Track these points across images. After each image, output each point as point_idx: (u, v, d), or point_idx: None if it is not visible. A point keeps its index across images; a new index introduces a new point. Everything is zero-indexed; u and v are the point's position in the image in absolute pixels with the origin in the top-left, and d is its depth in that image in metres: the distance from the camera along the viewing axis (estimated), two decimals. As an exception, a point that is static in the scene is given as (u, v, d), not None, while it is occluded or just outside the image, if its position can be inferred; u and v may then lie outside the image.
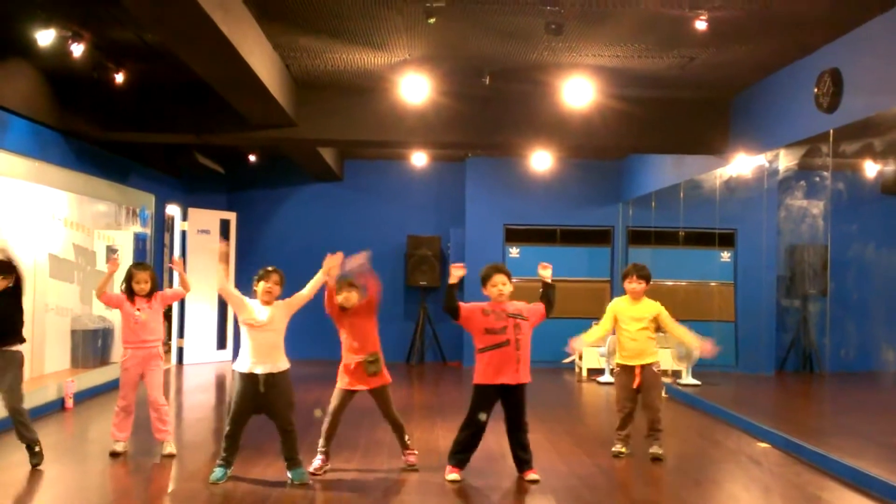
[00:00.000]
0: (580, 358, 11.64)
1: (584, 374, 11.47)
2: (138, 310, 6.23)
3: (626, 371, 6.50)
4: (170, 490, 5.57)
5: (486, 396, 5.64)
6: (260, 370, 5.44)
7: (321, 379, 10.21)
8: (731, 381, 10.99)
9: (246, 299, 5.62)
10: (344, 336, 5.87)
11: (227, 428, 5.53)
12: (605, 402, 9.59)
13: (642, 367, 6.43)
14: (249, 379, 5.45)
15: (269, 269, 5.64)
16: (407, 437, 6.06)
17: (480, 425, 5.65)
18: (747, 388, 10.90)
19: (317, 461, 5.81)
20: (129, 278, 6.33)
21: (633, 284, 6.55)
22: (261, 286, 5.57)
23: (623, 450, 6.53)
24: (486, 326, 5.60)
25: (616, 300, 6.77)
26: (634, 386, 6.42)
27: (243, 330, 5.54)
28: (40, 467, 5.77)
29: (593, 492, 5.57)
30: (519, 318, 5.63)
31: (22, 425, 5.75)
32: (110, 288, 6.38)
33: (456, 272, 5.66)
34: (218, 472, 5.50)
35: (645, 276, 6.57)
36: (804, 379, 11.83)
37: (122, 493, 5.58)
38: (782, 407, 10.12)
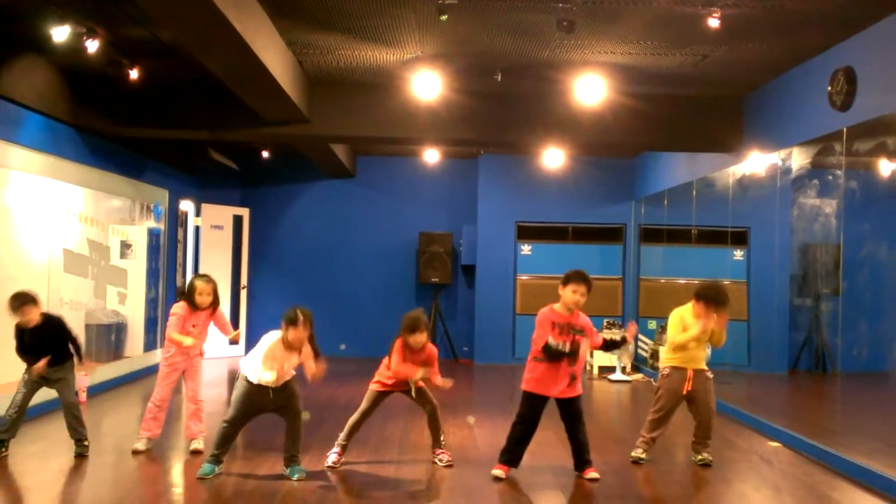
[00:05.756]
0: (591, 356, 11.63)
1: (596, 371, 11.47)
2: (193, 325, 6.22)
3: (678, 373, 6.25)
4: (180, 484, 5.62)
5: (533, 405, 5.64)
6: (272, 384, 5.47)
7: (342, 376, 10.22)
8: (743, 380, 10.94)
9: (275, 353, 5.39)
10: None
11: (225, 427, 5.54)
12: (615, 399, 9.58)
13: (695, 371, 6.25)
14: (260, 389, 5.47)
15: (302, 313, 5.33)
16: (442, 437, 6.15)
17: (528, 424, 5.65)
18: (759, 387, 10.86)
19: (334, 455, 5.91)
20: (191, 290, 6.27)
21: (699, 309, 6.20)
22: (291, 333, 5.32)
23: (644, 456, 6.30)
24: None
25: (681, 310, 6.34)
26: (684, 391, 6.23)
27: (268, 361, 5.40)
28: (74, 458, 6.00)
29: (603, 489, 5.57)
30: (580, 335, 5.59)
31: (76, 419, 6.10)
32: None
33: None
34: (206, 467, 5.51)
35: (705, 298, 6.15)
36: (816, 378, 11.77)
37: (133, 486, 5.62)
38: (794, 406, 10.08)
